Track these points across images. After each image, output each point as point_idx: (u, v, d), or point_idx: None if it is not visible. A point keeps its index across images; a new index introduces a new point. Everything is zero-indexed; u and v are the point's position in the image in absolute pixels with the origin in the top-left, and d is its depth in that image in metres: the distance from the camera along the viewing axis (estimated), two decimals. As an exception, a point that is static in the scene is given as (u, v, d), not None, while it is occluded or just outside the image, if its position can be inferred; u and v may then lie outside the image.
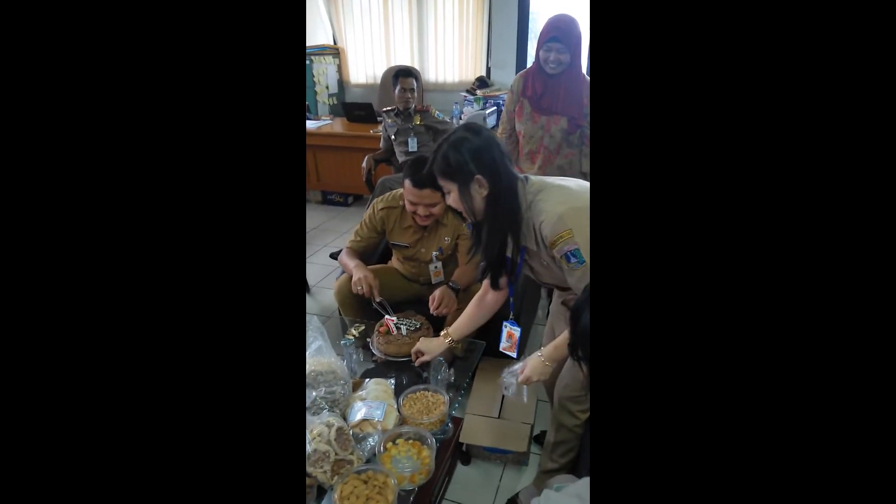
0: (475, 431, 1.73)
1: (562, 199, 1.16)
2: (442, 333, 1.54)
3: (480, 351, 1.68)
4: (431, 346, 1.52)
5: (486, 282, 1.41)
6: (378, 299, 1.75)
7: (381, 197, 1.94)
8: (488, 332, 1.59)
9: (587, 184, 1.25)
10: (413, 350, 1.55)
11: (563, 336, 1.29)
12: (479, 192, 1.17)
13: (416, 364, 1.53)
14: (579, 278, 1.16)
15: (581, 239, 1.12)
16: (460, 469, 1.73)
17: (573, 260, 1.14)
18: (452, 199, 1.21)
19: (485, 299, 1.47)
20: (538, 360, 1.29)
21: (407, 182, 1.70)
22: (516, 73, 4.06)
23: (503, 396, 1.85)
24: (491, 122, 3.52)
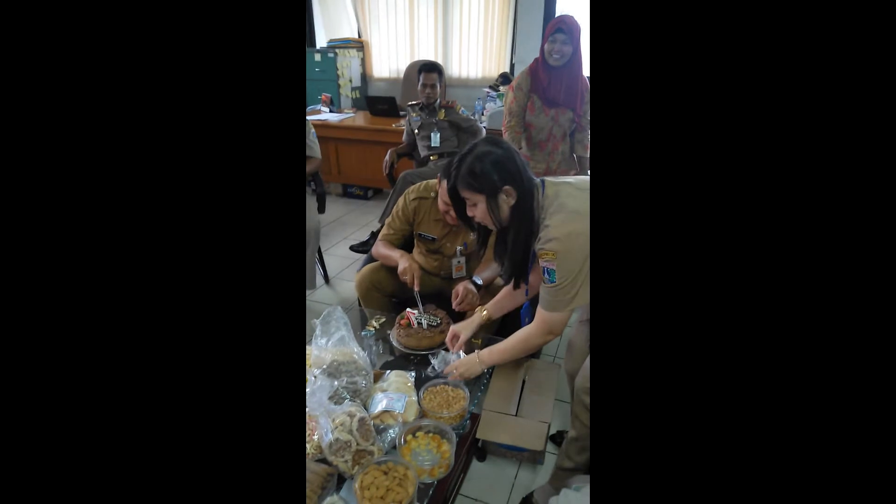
0: (492, 428, 1.72)
1: (565, 220, 1.20)
2: (477, 308, 1.58)
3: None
4: (467, 324, 1.55)
5: None
6: (418, 289, 1.76)
7: (412, 187, 1.93)
8: (507, 330, 1.59)
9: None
10: (448, 338, 1.56)
11: (500, 345, 1.44)
12: (507, 201, 1.23)
13: (454, 351, 1.54)
14: (547, 291, 1.24)
15: (561, 265, 1.19)
16: (475, 465, 1.73)
17: (546, 276, 1.22)
18: (479, 210, 1.25)
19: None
20: (473, 357, 1.43)
21: (444, 183, 1.69)
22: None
23: (520, 395, 1.85)
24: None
